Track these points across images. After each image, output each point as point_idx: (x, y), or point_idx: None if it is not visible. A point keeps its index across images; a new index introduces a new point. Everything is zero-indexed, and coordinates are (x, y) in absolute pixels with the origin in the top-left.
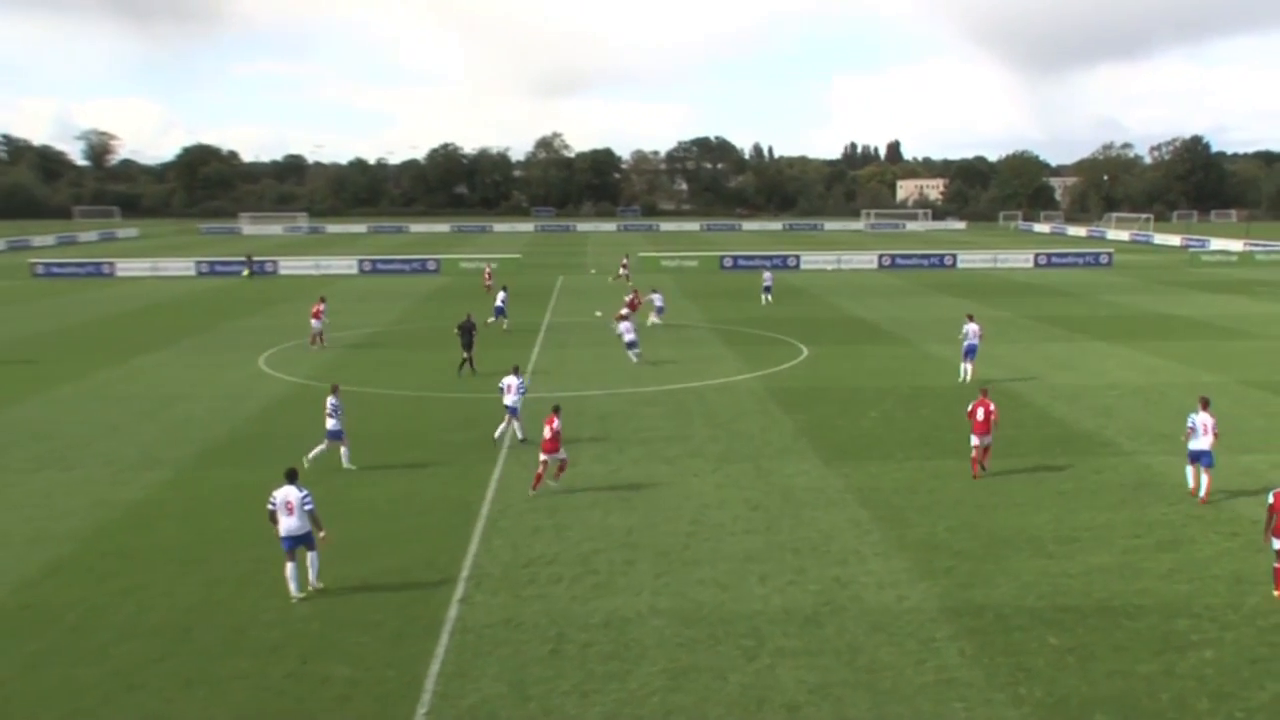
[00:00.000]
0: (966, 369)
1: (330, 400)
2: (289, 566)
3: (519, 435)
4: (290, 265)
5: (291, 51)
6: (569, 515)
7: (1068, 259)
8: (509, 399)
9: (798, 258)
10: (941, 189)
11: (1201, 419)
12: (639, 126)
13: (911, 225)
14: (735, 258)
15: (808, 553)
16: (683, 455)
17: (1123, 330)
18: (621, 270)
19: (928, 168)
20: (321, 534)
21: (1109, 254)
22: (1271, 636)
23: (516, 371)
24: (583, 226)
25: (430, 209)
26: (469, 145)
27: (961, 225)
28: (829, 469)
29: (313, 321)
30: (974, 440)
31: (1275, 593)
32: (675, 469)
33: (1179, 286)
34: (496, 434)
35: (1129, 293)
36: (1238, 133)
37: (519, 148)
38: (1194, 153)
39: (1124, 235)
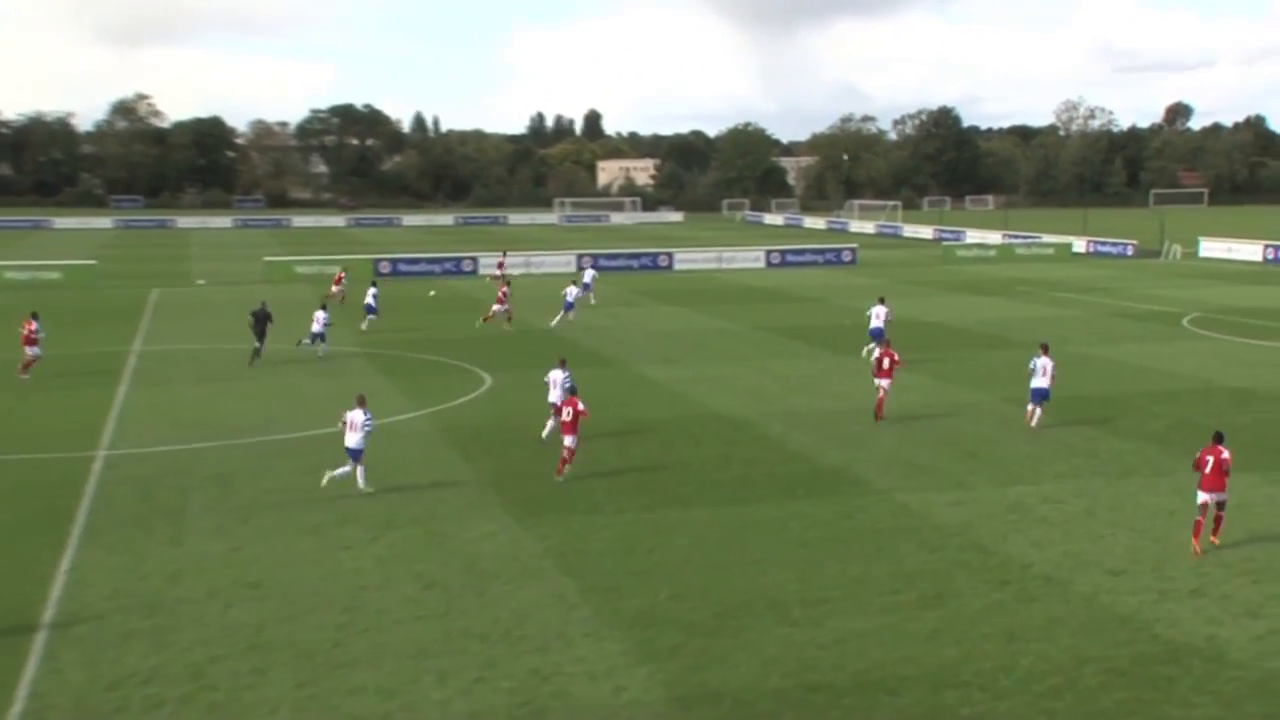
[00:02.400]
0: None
1: (361, 415)
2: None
3: (546, 432)
4: None
5: None
6: (174, 613)
7: (805, 257)
8: (553, 395)
9: (474, 260)
10: (652, 171)
11: (1041, 362)
12: (260, 89)
13: (617, 217)
14: (394, 261)
15: (499, 640)
16: (330, 523)
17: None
18: (498, 271)
19: (634, 145)
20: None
21: (852, 250)
22: (1048, 702)
23: (563, 365)
24: (185, 222)
25: None
26: (11, 110)
27: (678, 217)
28: (523, 529)
29: (26, 349)
30: (877, 382)
31: (1195, 545)
32: (321, 541)
33: (932, 287)
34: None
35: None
36: (991, 104)
37: (88, 114)
38: (944, 127)
39: (869, 227)
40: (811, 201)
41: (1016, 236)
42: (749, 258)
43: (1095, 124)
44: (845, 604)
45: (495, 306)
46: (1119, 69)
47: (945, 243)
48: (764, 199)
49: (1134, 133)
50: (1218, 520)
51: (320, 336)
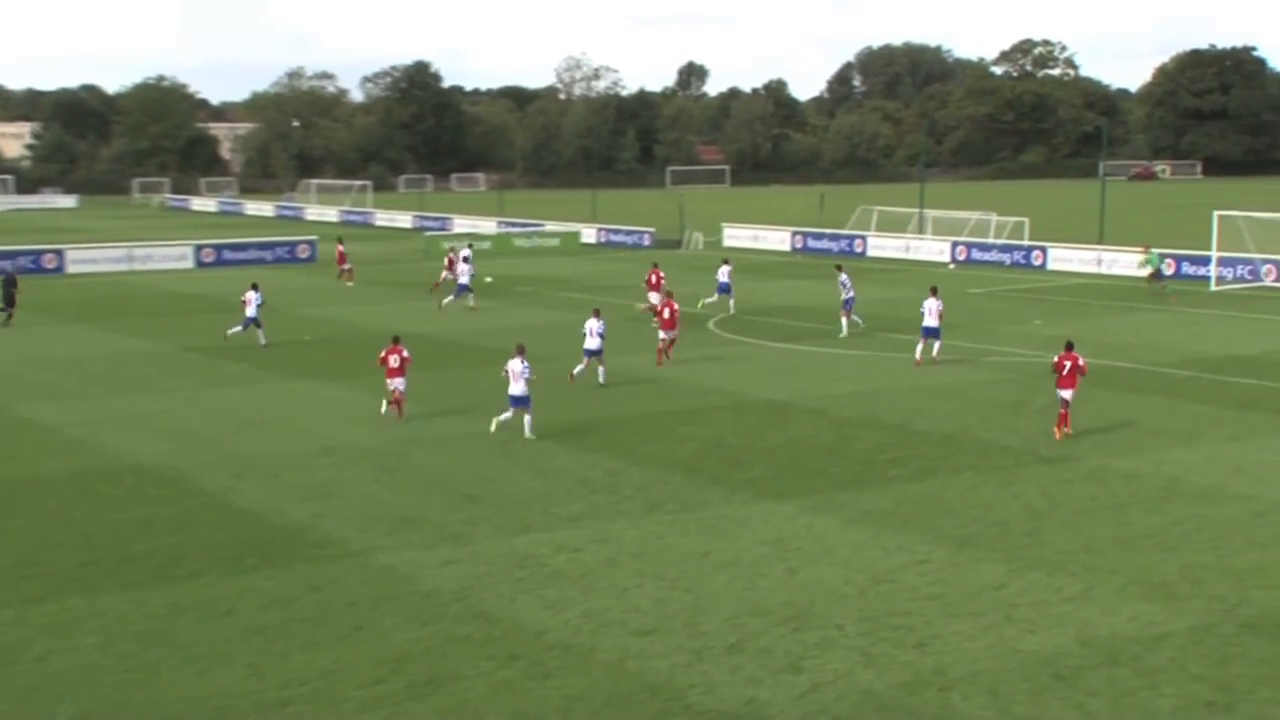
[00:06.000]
0: (848, 322)
1: (519, 363)
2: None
3: (600, 379)
4: None
5: None
6: None
7: (248, 253)
8: (591, 343)
9: None
10: (29, 140)
11: (929, 304)
12: None
13: None
14: None
15: None
16: None
17: (347, 365)
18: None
19: (1, 104)
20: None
21: (310, 243)
22: None
23: (598, 314)
24: None
25: None
26: None
27: (69, 201)
28: None
29: None
30: (661, 335)
31: (1056, 431)
32: None
33: (411, 289)
34: (575, 371)
35: (347, 302)
36: (478, 58)
37: None
38: (421, 88)
39: (331, 213)
40: (255, 181)
41: (514, 224)
42: (172, 255)
43: (601, 86)
44: (315, 703)
45: (651, 295)
46: (630, 20)
47: (429, 233)
48: (190, 177)
49: (645, 98)
50: (1067, 414)
51: (254, 321)
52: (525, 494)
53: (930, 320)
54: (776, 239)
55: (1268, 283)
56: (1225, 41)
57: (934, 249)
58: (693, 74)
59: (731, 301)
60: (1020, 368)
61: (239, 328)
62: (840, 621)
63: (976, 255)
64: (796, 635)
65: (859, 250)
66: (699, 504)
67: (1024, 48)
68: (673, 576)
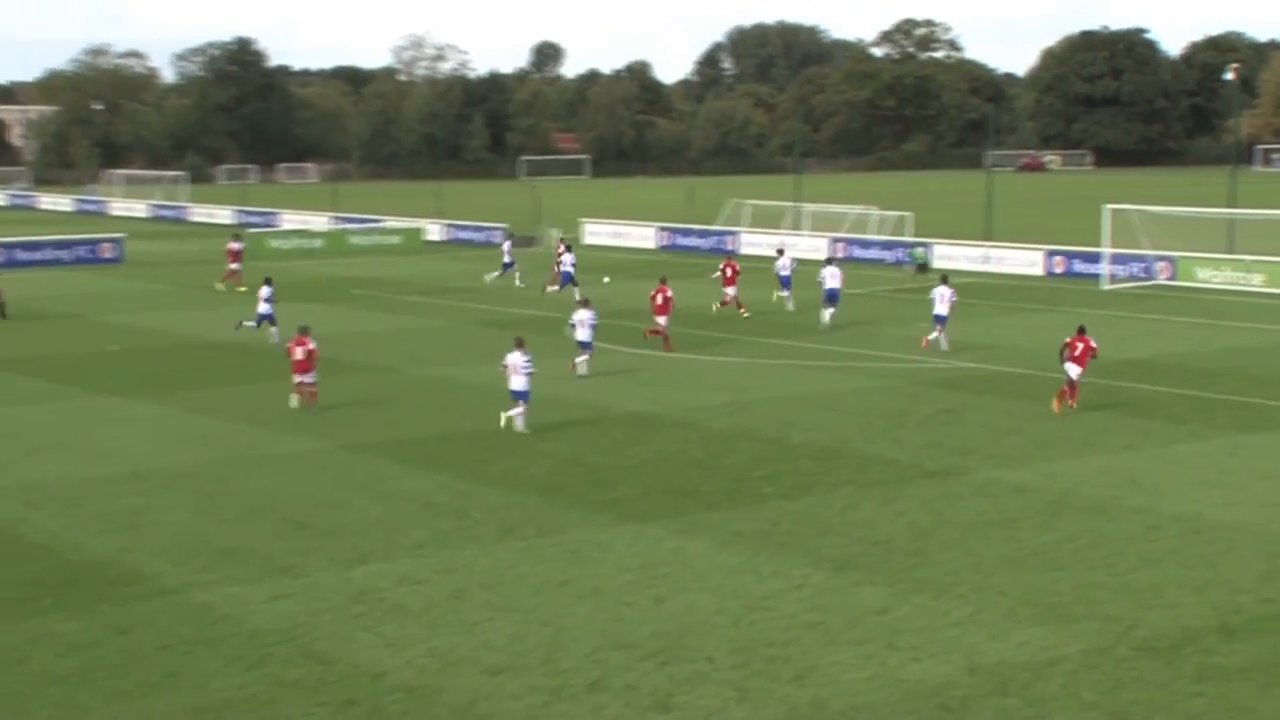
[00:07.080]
0: (831, 315)
1: (521, 357)
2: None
3: (584, 370)
4: None
5: None
6: None
7: (43, 253)
8: (582, 334)
9: None
10: None
11: (939, 291)
12: None
13: None
14: None
15: None
16: None
17: (159, 378)
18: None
19: None
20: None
21: (116, 242)
22: None
23: (587, 304)
24: None
25: None
26: None
27: None
28: None
29: None
30: (660, 321)
31: (1056, 406)
32: None
33: (233, 293)
34: (577, 360)
35: (158, 307)
36: (307, 35)
37: None
38: (243, 67)
39: (140, 208)
40: (51, 171)
41: (350, 220)
42: None
43: (446, 67)
44: None
45: (729, 289)
46: None
47: (253, 230)
48: None
49: (495, 80)
50: (1075, 389)
51: (269, 318)
52: (362, 520)
53: (940, 308)
54: (641, 235)
55: (1161, 280)
56: (1116, 23)
57: (811, 246)
58: (547, 54)
59: (789, 296)
60: (903, 374)
61: (252, 323)
62: (711, 654)
63: (857, 253)
64: (664, 670)
65: (730, 248)
66: (557, 528)
67: (905, 28)
68: (528, 608)
